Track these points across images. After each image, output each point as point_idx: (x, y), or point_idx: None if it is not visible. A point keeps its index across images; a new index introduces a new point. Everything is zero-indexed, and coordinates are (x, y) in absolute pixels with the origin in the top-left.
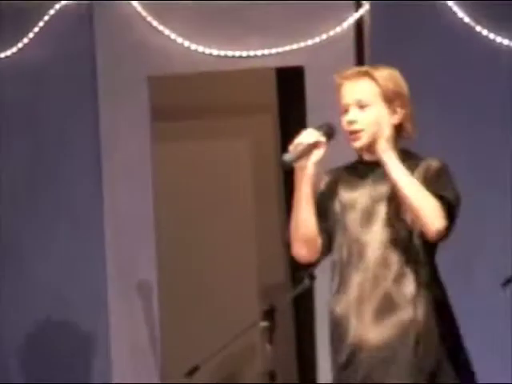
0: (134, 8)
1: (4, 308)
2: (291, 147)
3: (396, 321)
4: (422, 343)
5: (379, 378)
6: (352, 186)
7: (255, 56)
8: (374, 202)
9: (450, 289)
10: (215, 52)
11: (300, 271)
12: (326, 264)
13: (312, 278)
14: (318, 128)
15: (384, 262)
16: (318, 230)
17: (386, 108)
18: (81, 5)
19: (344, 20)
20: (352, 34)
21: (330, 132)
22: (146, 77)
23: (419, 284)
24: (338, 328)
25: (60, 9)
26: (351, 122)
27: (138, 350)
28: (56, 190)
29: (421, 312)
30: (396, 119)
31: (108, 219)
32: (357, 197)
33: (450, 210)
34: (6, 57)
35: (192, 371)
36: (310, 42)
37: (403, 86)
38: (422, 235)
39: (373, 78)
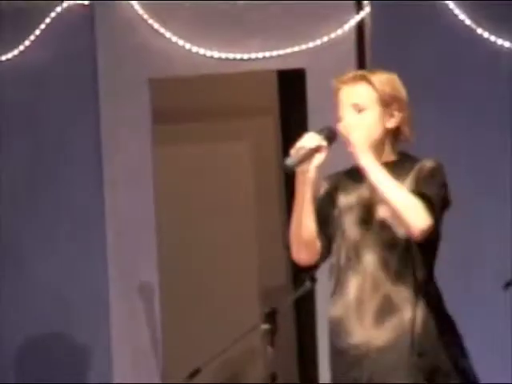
0: (136, 10)
1: (4, 308)
2: (293, 151)
3: (396, 322)
4: (421, 343)
5: (380, 379)
6: (350, 190)
7: (256, 58)
8: (371, 205)
9: (450, 290)
10: (216, 54)
11: (301, 273)
12: (327, 266)
13: (313, 280)
14: (319, 132)
15: (382, 265)
16: (318, 233)
17: (383, 112)
18: (82, 7)
19: (345, 22)
20: (353, 37)
21: (331, 136)
22: (147, 79)
23: (418, 285)
24: (337, 330)
25: (61, 11)
26: (347, 126)
27: (139, 352)
28: (57, 192)
29: (420, 312)
30: (393, 123)
31: (109, 221)
32: (354, 200)
33: (432, 208)
34: (8, 59)
35: (193, 374)
36: (311, 45)
37: (401, 90)
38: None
39: (369, 83)
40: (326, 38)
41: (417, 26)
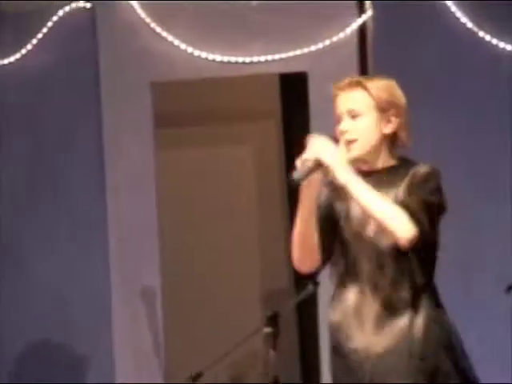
0: (138, 14)
1: (4, 309)
2: (298, 163)
3: (396, 326)
4: (422, 348)
5: (381, 379)
6: (347, 197)
7: (258, 62)
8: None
9: (450, 294)
10: (218, 58)
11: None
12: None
13: (316, 283)
14: None
15: (380, 270)
16: (319, 240)
17: (379, 118)
18: (84, 10)
19: (347, 26)
20: (355, 40)
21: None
22: (149, 83)
23: (417, 289)
24: (336, 335)
25: (63, 14)
26: (343, 132)
27: (141, 356)
28: (59, 196)
29: (419, 318)
30: (390, 128)
31: (112, 225)
32: (352, 206)
33: (418, 216)
34: (10, 63)
35: (195, 377)
36: (313, 48)
37: (398, 95)
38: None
39: (365, 89)
40: (328, 42)
41: (417, 26)
